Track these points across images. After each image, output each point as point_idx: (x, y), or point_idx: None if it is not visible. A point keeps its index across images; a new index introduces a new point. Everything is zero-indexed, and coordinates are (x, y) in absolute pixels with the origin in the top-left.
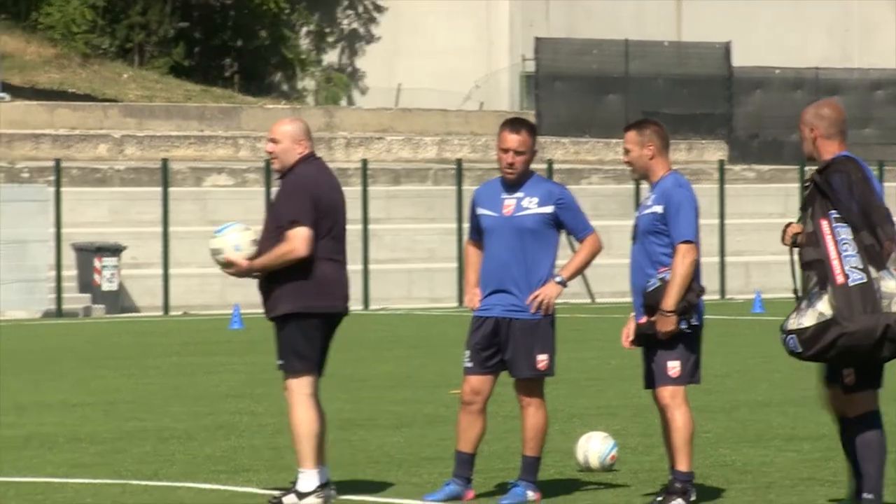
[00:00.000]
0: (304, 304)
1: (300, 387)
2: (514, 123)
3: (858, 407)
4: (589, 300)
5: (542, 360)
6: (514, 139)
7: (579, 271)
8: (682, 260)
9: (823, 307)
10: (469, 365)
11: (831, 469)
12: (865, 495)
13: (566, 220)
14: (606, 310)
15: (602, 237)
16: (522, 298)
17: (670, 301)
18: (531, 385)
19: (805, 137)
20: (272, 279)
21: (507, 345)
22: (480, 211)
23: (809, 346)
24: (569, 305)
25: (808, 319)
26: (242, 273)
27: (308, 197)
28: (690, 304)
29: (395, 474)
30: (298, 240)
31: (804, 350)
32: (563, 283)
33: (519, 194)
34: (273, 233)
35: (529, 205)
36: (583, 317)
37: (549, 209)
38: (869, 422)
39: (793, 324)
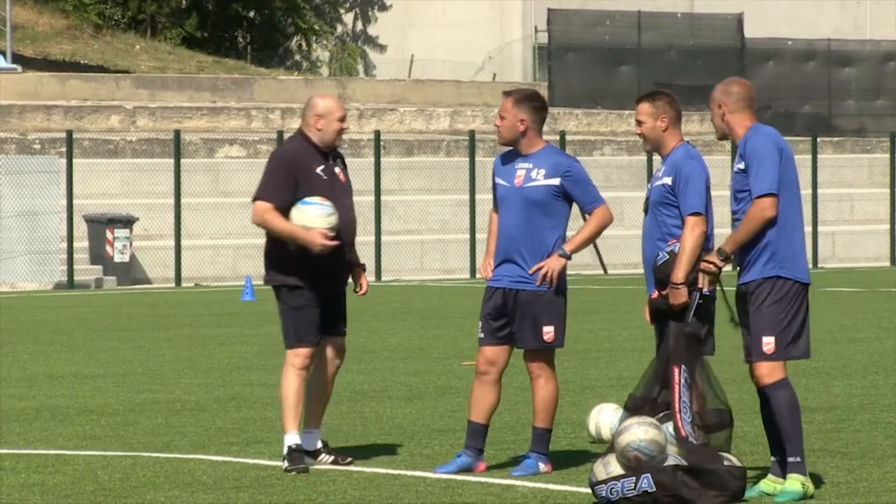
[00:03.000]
0: None
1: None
2: (509, 91)
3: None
4: (601, 272)
5: (548, 331)
6: (502, 104)
7: (585, 244)
8: (691, 232)
9: None
10: (481, 335)
11: (843, 440)
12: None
13: (574, 193)
14: (619, 281)
15: (614, 209)
16: (529, 270)
17: (680, 273)
18: (539, 356)
19: (714, 115)
20: None
21: (514, 316)
22: (497, 180)
23: None
24: (581, 277)
25: None
26: None
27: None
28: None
29: (407, 446)
30: None
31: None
32: (567, 256)
33: (528, 165)
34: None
35: (537, 176)
36: (595, 288)
37: (555, 181)
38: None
39: None
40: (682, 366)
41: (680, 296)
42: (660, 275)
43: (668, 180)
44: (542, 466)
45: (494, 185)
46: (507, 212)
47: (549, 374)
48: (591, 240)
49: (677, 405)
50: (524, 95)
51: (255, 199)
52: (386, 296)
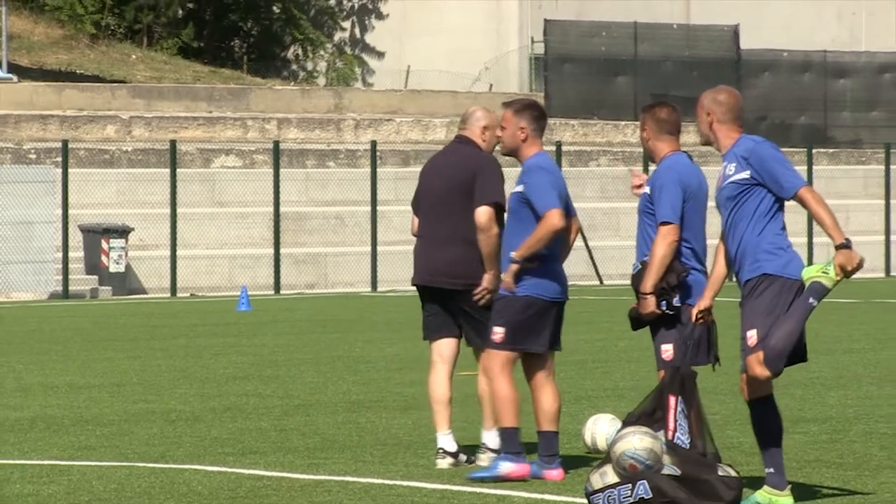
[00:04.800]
0: None
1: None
2: (507, 104)
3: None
4: (597, 282)
5: (497, 332)
6: (502, 115)
7: (530, 249)
8: (661, 241)
9: None
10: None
11: (838, 451)
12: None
13: (530, 199)
14: (614, 291)
15: (610, 219)
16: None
17: (647, 283)
18: (490, 356)
19: (701, 121)
20: None
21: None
22: None
23: None
24: (577, 287)
25: None
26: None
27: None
28: (670, 285)
29: (403, 456)
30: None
31: None
32: (514, 261)
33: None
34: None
35: (516, 185)
36: (591, 298)
37: (519, 188)
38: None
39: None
40: (679, 397)
41: (648, 305)
42: (633, 285)
43: (647, 189)
44: (509, 466)
45: None
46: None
47: (493, 374)
48: (538, 244)
49: (672, 425)
50: (524, 105)
51: (487, 205)
52: (382, 306)
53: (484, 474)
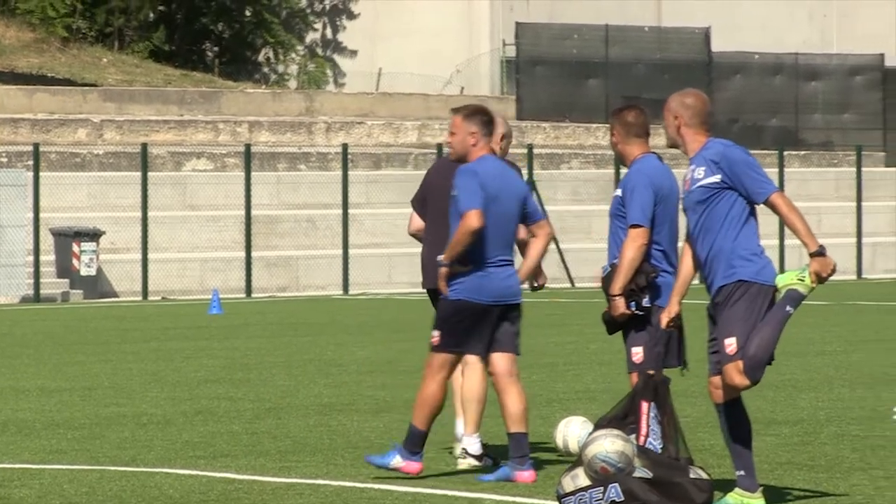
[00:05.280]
0: None
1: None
2: (461, 108)
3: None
4: (569, 284)
5: (434, 334)
6: (452, 121)
7: (453, 251)
8: (631, 244)
9: None
10: None
11: (810, 453)
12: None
13: (457, 199)
14: (586, 294)
15: (581, 222)
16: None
17: (616, 285)
18: (428, 357)
19: (669, 125)
20: None
21: None
22: None
23: None
24: (548, 290)
25: None
26: None
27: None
28: (639, 286)
29: None
30: None
31: None
32: (442, 265)
33: None
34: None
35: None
36: (562, 301)
37: (455, 191)
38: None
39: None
40: (651, 403)
41: (618, 307)
42: (604, 287)
43: (619, 192)
44: (399, 460)
45: None
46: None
47: (429, 376)
48: (459, 245)
49: (644, 430)
50: (474, 110)
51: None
52: (354, 309)
53: (377, 460)
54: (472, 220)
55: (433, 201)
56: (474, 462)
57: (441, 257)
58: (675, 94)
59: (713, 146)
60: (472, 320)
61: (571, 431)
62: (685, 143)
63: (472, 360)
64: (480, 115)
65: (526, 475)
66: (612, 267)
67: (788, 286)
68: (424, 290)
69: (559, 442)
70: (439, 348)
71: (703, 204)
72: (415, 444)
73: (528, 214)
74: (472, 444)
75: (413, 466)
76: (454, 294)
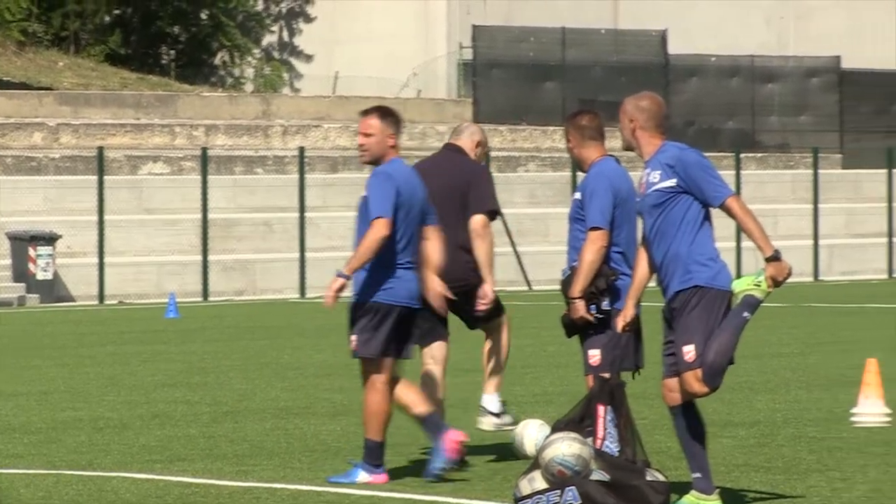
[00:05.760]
0: None
1: None
2: (370, 109)
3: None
4: (526, 287)
5: (352, 340)
6: (363, 122)
7: (360, 260)
8: (590, 246)
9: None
10: None
11: (766, 455)
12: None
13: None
14: (543, 297)
15: (538, 225)
16: (356, 280)
17: (575, 288)
18: (361, 366)
19: (624, 128)
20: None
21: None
22: None
23: None
24: (505, 293)
25: None
26: None
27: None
28: (599, 289)
29: (332, 463)
30: None
31: None
32: (341, 275)
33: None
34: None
35: (364, 189)
36: (519, 304)
37: (367, 193)
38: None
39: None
40: (608, 406)
41: (577, 310)
42: (563, 290)
43: (578, 195)
44: (365, 476)
45: None
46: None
47: (370, 385)
48: (367, 253)
49: (601, 433)
50: (388, 111)
51: (482, 213)
52: (310, 312)
53: (341, 479)
54: (382, 228)
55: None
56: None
57: (343, 269)
58: (630, 97)
59: (668, 150)
60: (390, 323)
61: (528, 434)
62: (640, 146)
63: (430, 363)
64: (394, 116)
65: (378, 478)
66: (572, 270)
67: (745, 292)
68: None
69: (516, 444)
70: (356, 354)
71: (659, 208)
72: (375, 456)
73: (424, 218)
74: (493, 403)
75: (380, 478)
76: (367, 297)
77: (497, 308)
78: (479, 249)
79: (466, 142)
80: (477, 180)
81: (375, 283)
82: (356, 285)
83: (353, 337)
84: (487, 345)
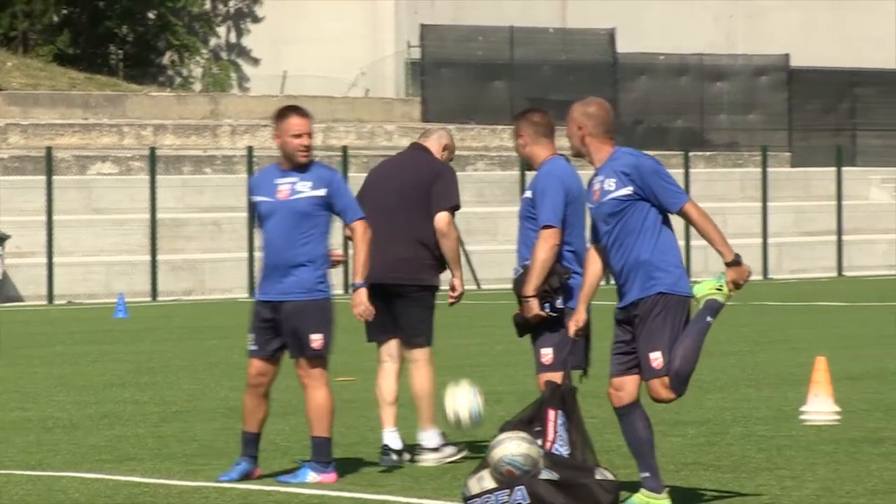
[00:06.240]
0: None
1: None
2: (298, 109)
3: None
4: (475, 286)
5: (315, 339)
6: (304, 123)
7: (367, 265)
8: (543, 244)
9: None
10: (254, 348)
11: (716, 453)
12: (642, 474)
13: (337, 204)
14: (492, 296)
15: (487, 224)
16: (298, 280)
17: (529, 287)
18: (309, 364)
19: (573, 135)
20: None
21: (283, 326)
22: (257, 198)
23: None
24: None
25: None
26: None
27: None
28: (552, 287)
29: (281, 462)
30: None
31: None
32: (359, 286)
33: (293, 179)
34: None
35: (303, 188)
36: (468, 303)
37: (322, 192)
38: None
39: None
40: (559, 411)
41: (531, 309)
42: (515, 289)
43: (529, 194)
44: (314, 476)
45: (253, 203)
46: (274, 225)
47: (320, 382)
48: (368, 259)
49: (550, 435)
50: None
51: (446, 209)
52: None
53: (292, 480)
54: (369, 232)
55: (373, 201)
56: (434, 456)
57: (356, 279)
58: (577, 103)
59: (622, 157)
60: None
61: (459, 404)
62: (590, 153)
63: (418, 357)
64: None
65: (327, 477)
66: (524, 269)
67: (707, 296)
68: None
69: (450, 417)
70: (326, 351)
71: (616, 216)
72: (326, 454)
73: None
74: (432, 439)
75: (329, 477)
76: (327, 294)
77: (423, 333)
78: (446, 247)
79: (434, 144)
80: (441, 178)
81: (323, 279)
82: (308, 285)
83: (318, 336)
84: (386, 375)
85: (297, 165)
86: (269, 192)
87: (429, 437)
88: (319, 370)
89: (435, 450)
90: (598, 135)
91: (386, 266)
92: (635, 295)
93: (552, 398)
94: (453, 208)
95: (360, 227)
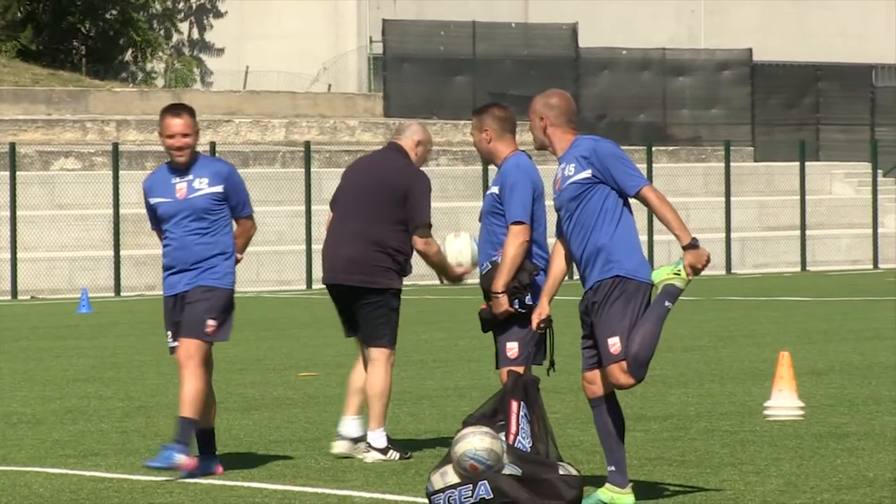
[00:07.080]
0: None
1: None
2: (174, 109)
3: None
4: (437, 282)
5: (211, 324)
6: (178, 123)
7: (238, 258)
8: (513, 241)
9: None
10: (174, 345)
11: (679, 449)
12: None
13: (232, 199)
14: (455, 291)
15: (450, 219)
16: (204, 272)
17: (499, 283)
18: (196, 348)
19: (535, 126)
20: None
21: (184, 308)
22: (154, 200)
23: None
24: (417, 287)
25: None
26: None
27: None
28: (522, 283)
29: (243, 458)
30: None
31: None
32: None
33: (189, 177)
34: None
35: (201, 185)
36: (431, 298)
37: (219, 188)
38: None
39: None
40: (521, 402)
41: (500, 305)
42: (483, 284)
43: (496, 190)
44: (180, 458)
45: (151, 206)
46: (177, 224)
47: (199, 366)
48: (244, 248)
49: (514, 429)
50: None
51: (422, 230)
52: None
53: (158, 464)
54: (250, 225)
55: (343, 197)
56: (379, 456)
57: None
58: (539, 95)
59: (582, 143)
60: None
61: (463, 255)
62: (553, 143)
63: (375, 356)
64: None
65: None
66: (492, 265)
67: (665, 281)
68: (324, 286)
69: (452, 260)
70: (221, 337)
71: (576, 200)
72: (188, 436)
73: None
74: (378, 439)
75: (191, 463)
76: (231, 287)
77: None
78: (429, 262)
79: (407, 141)
80: (413, 192)
81: (232, 271)
82: (217, 274)
83: (213, 321)
84: (358, 366)
85: (179, 165)
86: (166, 193)
87: (377, 436)
88: (205, 355)
89: (382, 450)
90: (560, 125)
91: (336, 266)
92: (594, 278)
93: (514, 390)
94: (427, 226)
95: (245, 223)
